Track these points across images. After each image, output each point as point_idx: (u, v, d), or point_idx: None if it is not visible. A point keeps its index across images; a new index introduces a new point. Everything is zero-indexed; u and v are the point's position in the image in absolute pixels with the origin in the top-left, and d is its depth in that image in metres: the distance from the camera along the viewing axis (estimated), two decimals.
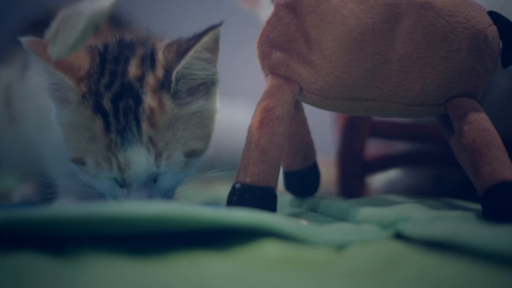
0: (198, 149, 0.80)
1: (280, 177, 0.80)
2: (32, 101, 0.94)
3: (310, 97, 0.76)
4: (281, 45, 0.76)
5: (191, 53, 0.76)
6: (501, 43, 0.80)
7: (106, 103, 0.75)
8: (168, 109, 0.76)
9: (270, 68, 0.77)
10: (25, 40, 0.75)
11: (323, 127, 1.37)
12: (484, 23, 0.78)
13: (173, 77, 0.77)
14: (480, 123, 0.76)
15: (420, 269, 0.56)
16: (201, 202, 0.98)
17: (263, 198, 0.73)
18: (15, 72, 1.01)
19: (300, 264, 0.58)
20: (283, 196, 0.88)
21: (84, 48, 0.78)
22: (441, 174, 1.17)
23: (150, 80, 0.77)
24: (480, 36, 0.77)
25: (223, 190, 0.84)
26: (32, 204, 1.00)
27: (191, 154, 0.79)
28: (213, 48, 0.78)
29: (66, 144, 0.79)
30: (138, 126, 0.75)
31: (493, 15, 0.79)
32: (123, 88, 0.76)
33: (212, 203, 0.95)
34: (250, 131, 0.74)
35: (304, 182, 0.89)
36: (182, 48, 0.78)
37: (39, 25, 0.77)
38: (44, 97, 0.83)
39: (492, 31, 0.78)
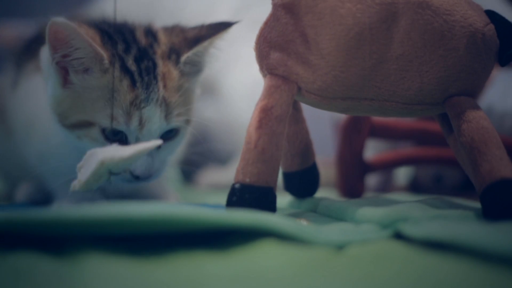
0: (190, 120, 0.88)
1: (280, 178, 0.80)
2: (22, 110, 0.95)
3: (309, 97, 0.76)
4: (279, 45, 0.76)
5: (205, 43, 0.86)
6: (498, 41, 0.80)
7: (131, 64, 0.83)
8: (175, 77, 0.84)
9: (269, 68, 0.77)
10: (61, 19, 0.78)
11: (323, 127, 1.37)
12: (482, 22, 0.78)
13: (182, 59, 0.85)
14: (478, 122, 0.76)
15: (420, 269, 0.56)
16: (201, 202, 0.98)
17: (263, 198, 0.73)
18: (7, 81, 1.02)
19: (300, 264, 0.58)
20: (283, 196, 0.88)
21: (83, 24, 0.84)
22: (441, 173, 1.17)
23: (157, 50, 0.85)
24: (478, 35, 0.77)
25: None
26: (33, 205, 1.00)
27: (187, 123, 0.87)
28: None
29: (68, 112, 0.83)
30: (156, 85, 0.82)
31: (491, 13, 0.80)
32: (140, 52, 0.84)
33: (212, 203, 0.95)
34: (249, 131, 0.74)
35: (303, 183, 0.89)
36: (190, 35, 0.87)
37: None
38: (33, 106, 0.86)
39: (490, 29, 0.78)
